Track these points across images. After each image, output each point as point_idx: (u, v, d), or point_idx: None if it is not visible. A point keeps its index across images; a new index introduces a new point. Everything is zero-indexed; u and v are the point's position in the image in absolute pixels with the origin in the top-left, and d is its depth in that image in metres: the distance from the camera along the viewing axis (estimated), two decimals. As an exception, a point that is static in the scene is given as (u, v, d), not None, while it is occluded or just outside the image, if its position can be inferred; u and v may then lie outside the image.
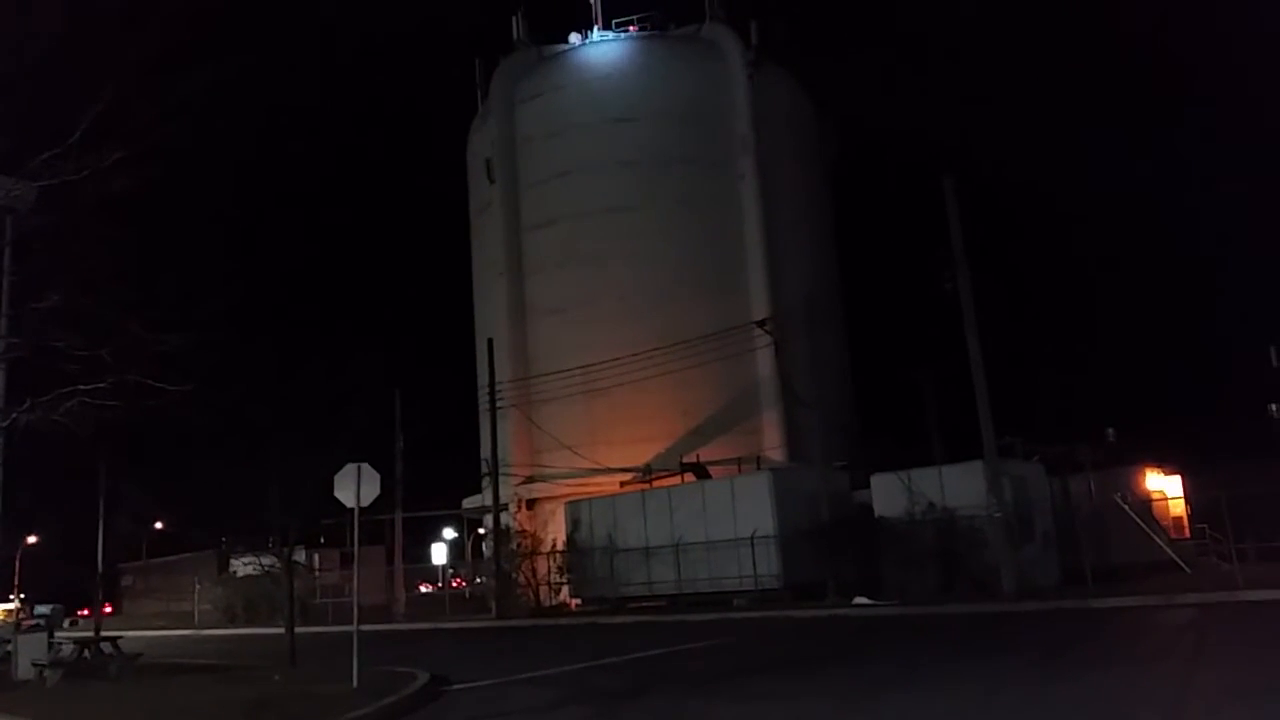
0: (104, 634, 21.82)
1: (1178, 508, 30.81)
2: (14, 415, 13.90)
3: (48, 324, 12.95)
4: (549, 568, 32.98)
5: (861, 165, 58.86)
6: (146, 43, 12.02)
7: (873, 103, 63.10)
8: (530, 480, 37.30)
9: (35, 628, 23.74)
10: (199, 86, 12.37)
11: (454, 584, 52.81)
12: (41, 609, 40.66)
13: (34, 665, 17.99)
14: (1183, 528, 30.34)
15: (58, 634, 24.06)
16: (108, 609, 56.80)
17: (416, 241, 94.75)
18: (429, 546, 54.17)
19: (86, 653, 18.73)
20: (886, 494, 27.08)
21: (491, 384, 35.06)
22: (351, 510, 14.53)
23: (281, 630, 19.30)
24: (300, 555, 32.35)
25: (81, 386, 13.14)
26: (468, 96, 45.38)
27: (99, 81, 11.97)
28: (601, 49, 43.01)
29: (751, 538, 27.32)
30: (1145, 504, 28.89)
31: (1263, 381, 34.42)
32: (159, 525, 51.94)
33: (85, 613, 43.12)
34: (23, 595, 50.39)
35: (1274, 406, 35.18)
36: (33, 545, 48.73)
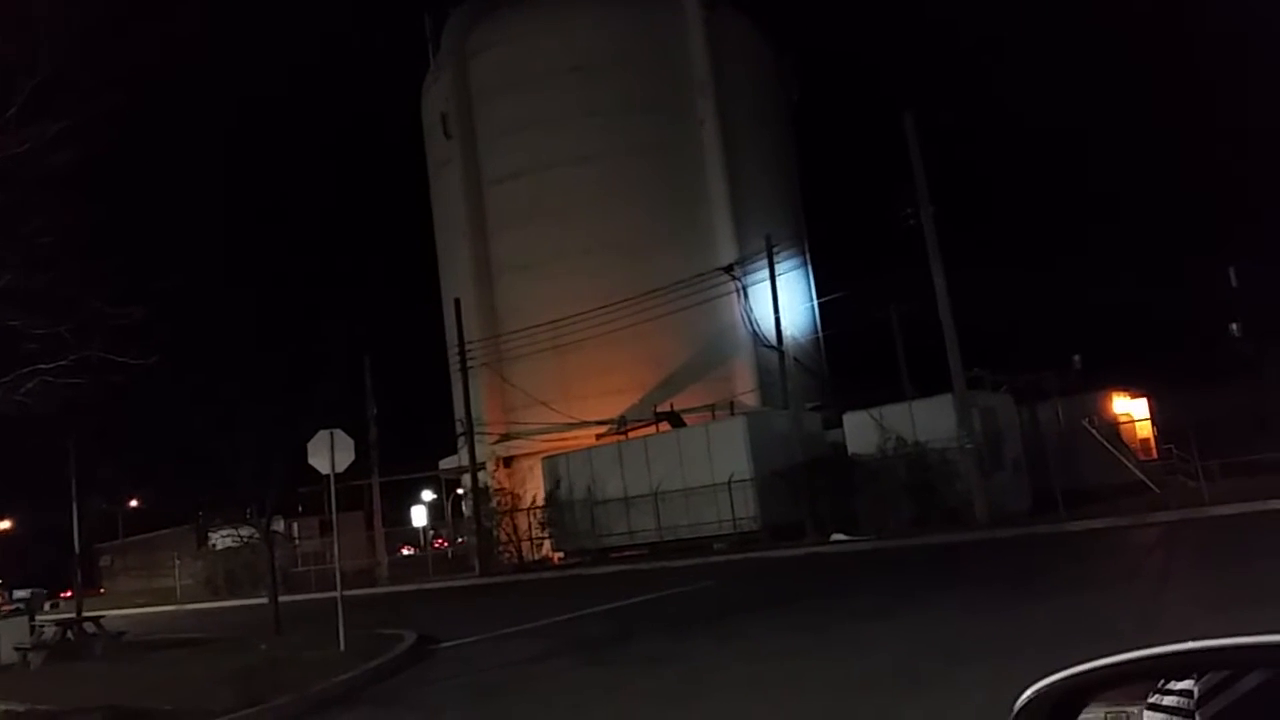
0: (86, 614, 21.72)
1: (1145, 429, 31.35)
2: (-26, 399, 13.61)
3: (2, 303, 12.63)
4: (530, 523, 33.13)
5: (823, 104, 58.52)
6: (84, 8, 11.62)
7: (833, 40, 62.53)
8: (506, 438, 37.31)
9: (15, 612, 23.55)
10: (142, 51, 12.00)
11: (436, 545, 52.98)
12: (20, 593, 40.24)
13: (16, 649, 17.90)
14: (1150, 449, 30.91)
15: (39, 617, 23.90)
16: (101, 591, 56.54)
17: (376, 205, 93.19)
18: (409, 509, 54.18)
19: (69, 634, 18.65)
20: (859, 432, 27.39)
21: (461, 344, 34.88)
22: (327, 477, 14.49)
23: (265, 600, 19.32)
24: (279, 524, 32.36)
25: (42, 365, 12.87)
26: (419, 52, 44.51)
27: (36, 51, 11.55)
28: (554, -4, 42.16)
29: (729, 482, 27.57)
30: (1113, 427, 29.37)
31: (1223, 302, 34.99)
32: (134, 503, 51.67)
33: (69, 594, 42.91)
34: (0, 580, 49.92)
35: (1234, 326, 35.83)
36: (6, 530, 48.23)
